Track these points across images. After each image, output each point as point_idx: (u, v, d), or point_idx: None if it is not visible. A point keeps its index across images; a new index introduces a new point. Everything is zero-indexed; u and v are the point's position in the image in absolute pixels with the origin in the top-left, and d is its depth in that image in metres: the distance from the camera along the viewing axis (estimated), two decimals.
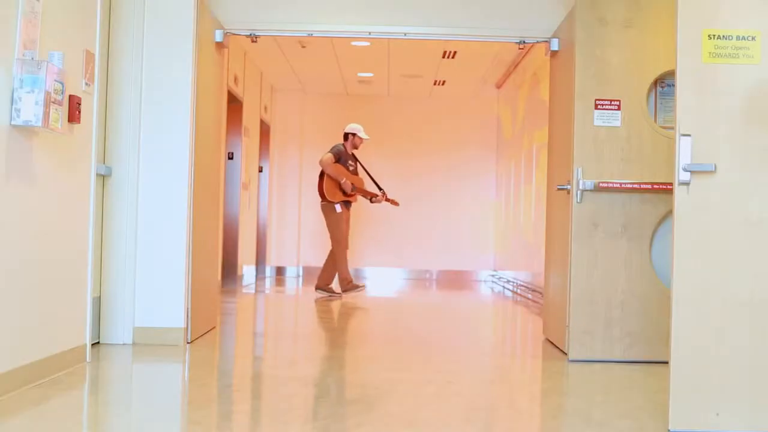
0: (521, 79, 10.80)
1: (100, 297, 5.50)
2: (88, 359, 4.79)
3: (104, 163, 5.49)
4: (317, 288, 9.75)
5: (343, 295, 9.65)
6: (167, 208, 5.59)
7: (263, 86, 11.99)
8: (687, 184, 3.50)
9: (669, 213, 5.36)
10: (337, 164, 9.55)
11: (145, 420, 3.72)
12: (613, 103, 5.37)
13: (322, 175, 9.56)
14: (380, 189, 10.05)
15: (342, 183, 9.51)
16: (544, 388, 4.74)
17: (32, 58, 3.92)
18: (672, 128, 5.29)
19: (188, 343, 5.64)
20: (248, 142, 10.91)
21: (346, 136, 9.82)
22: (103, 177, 5.48)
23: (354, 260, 12.99)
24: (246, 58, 10.41)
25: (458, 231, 13.15)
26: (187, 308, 5.65)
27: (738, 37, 3.51)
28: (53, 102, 4.02)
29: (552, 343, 6.02)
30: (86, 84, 4.69)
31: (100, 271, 5.50)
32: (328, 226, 9.64)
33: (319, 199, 9.63)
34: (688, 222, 3.50)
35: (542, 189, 6.65)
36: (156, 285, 5.57)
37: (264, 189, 12.44)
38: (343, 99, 13.24)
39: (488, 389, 4.59)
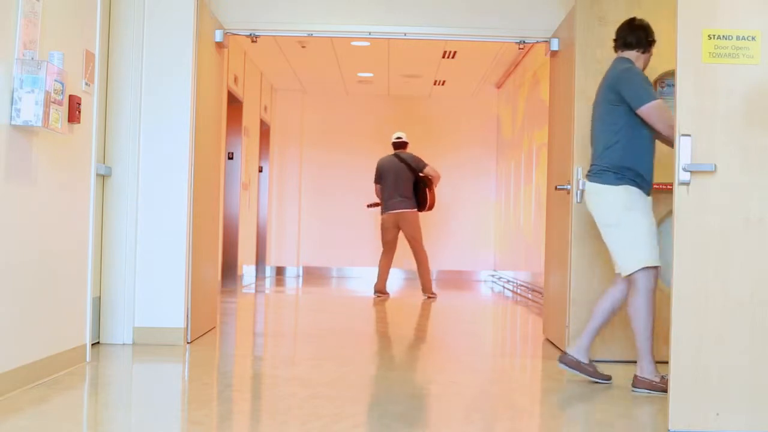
0: (521, 79, 10.80)
1: (100, 297, 5.50)
2: (88, 359, 4.79)
3: (104, 163, 5.49)
4: (426, 292, 9.74)
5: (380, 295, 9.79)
6: (167, 208, 5.59)
7: (263, 86, 11.99)
8: (687, 184, 3.50)
9: (669, 213, 5.35)
10: None
11: (145, 420, 3.72)
12: None
13: (425, 184, 9.79)
14: None
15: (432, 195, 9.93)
16: (544, 388, 4.74)
17: (32, 58, 3.92)
18: None
19: (188, 343, 5.64)
20: (248, 142, 10.91)
21: (406, 144, 10.02)
22: (103, 177, 5.48)
23: (354, 260, 12.99)
24: (246, 58, 10.41)
25: (458, 231, 13.14)
26: (187, 308, 5.64)
27: (738, 37, 3.51)
28: (53, 102, 4.02)
29: (552, 343, 6.02)
30: (86, 84, 4.69)
31: (100, 271, 5.50)
32: (417, 232, 9.76)
33: (394, 207, 9.72)
34: (688, 222, 3.50)
35: (542, 189, 6.65)
36: (156, 285, 5.57)
37: (264, 189, 12.44)
38: (343, 99, 13.24)
39: (488, 389, 4.59)
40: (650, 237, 4.35)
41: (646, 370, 4.38)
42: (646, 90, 4.38)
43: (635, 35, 4.56)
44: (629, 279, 4.40)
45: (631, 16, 5.39)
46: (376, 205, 10.22)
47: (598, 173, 4.45)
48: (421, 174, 9.80)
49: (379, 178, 9.84)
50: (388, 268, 9.79)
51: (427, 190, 9.80)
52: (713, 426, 3.45)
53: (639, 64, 4.55)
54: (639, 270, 4.33)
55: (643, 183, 4.40)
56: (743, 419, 3.46)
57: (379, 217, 9.95)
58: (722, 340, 3.48)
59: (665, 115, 4.33)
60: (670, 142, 4.40)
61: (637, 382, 4.40)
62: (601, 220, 4.47)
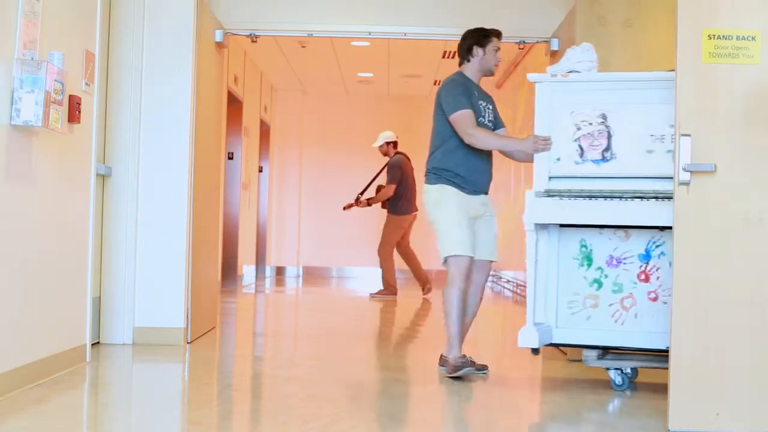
0: (521, 79, 10.78)
1: (100, 297, 5.49)
2: (88, 359, 4.79)
3: (104, 163, 5.49)
4: (428, 292, 9.85)
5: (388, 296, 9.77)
6: (167, 208, 5.59)
7: (263, 86, 11.99)
8: (687, 184, 3.50)
9: None
10: None
11: (145, 420, 3.72)
12: None
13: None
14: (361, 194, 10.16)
15: None
16: (544, 388, 4.74)
17: (32, 58, 3.92)
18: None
19: (188, 343, 5.64)
20: (248, 142, 10.91)
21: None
22: (103, 177, 5.48)
23: (354, 260, 12.99)
24: (246, 58, 10.41)
25: None
26: (187, 308, 5.64)
27: (738, 37, 3.51)
28: (53, 102, 4.02)
29: (551, 342, 6.01)
30: (86, 84, 4.69)
31: (100, 271, 5.50)
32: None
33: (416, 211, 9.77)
34: (688, 222, 3.50)
35: None
36: (156, 285, 5.57)
37: (264, 189, 12.43)
38: (343, 99, 13.23)
39: (487, 389, 4.59)
40: (458, 229, 4.73)
41: (452, 353, 4.74)
42: (457, 100, 4.71)
43: (460, 49, 4.94)
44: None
45: (631, 15, 5.40)
46: (350, 206, 10.12)
47: (426, 174, 4.89)
48: None
49: (402, 178, 9.74)
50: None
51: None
52: (713, 426, 3.45)
53: (474, 72, 4.89)
54: (448, 258, 4.79)
55: (464, 183, 4.78)
56: (743, 419, 3.46)
57: (374, 215, 9.96)
58: (722, 340, 3.48)
59: (466, 124, 4.68)
60: (506, 153, 4.99)
61: (442, 362, 4.84)
62: (426, 217, 4.92)
